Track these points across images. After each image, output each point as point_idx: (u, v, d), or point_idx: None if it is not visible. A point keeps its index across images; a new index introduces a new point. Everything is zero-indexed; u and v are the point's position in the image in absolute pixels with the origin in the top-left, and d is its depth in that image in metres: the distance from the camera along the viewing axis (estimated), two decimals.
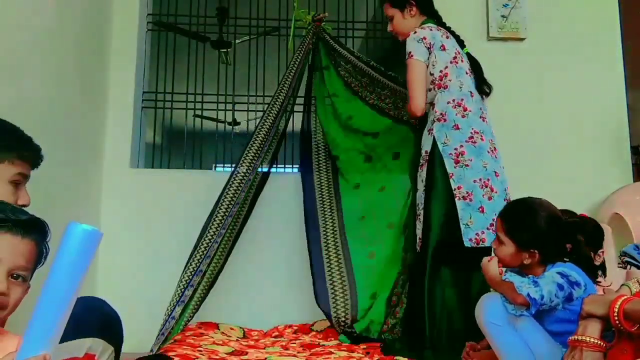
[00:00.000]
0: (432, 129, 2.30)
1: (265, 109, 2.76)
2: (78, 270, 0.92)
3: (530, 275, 1.68)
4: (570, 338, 1.37)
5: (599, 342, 1.31)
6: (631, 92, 3.37)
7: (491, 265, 1.75)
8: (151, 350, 2.17)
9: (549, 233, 1.70)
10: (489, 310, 1.66)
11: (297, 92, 2.93)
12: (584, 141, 3.21)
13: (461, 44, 2.48)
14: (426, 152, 2.30)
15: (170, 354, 1.99)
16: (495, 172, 2.28)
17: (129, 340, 2.48)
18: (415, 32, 2.35)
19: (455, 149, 2.25)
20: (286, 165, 4.10)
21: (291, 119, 3.01)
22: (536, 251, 1.70)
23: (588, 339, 1.32)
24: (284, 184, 3.13)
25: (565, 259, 1.72)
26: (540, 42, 3.28)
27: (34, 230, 1.01)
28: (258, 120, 2.75)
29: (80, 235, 0.91)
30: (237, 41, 4.14)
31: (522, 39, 3.26)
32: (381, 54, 3.69)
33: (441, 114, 2.30)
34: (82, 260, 0.92)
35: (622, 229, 2.68)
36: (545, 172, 3.12)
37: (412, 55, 2.31)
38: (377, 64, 2.87)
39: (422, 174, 2.30)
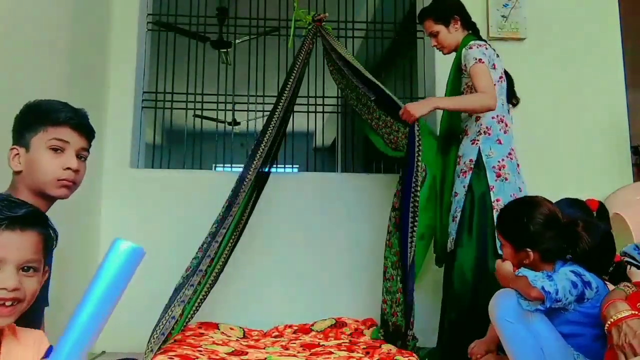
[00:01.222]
0: (478, 140, 2.42)
1: (264, 109, 2.76)
2: (118, 287, 0.93)
3: (544, 270, 1.68)
4: (607, 326, 1.38)
5: (634, 311, 1.33)
6: (631, 92, 3.37)
7: (505, 265, 1.77)
8: (151, 350, 2.17)
9: (538, 231, 1.72)
10: (503, 307, 1.65)
11: (297, 92, 2.93)
12: (583, 141, 3.21)
13: None
14: (470, 160, 2.40)
15: (170, 354, 1.99)
16: (519, 188, 2.44)
17: (129, 339, 2.50)
18: (478, 47, 2.42)
19: (498, 162, 2.38)
20: (286, 165, 4.10)
21: (291, 118, 3.02)
22: (529, 250, 1.72)
23: (624, 313, 1.34)
24: (284, 184, 3.13)
25: (570, 258, 1.72)
26: (540, 42, 3.28)
27: (32, 221, 1.03)
28: (262, 123, 2.75)
29: (124, 252, 0.92)
30: (237, 41, 4.14)
31: (522, 39, 3.26)
32: (381, 53, 3.70)
33: (487, 127, 2.42)
34: (124, 277, 0.94)
35: (622, 229, 2.68)
36: (545, 172, 3.11)
37: (482, 61, 2.39)
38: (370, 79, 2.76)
39: (466, 180, 2.40)
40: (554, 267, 1.70)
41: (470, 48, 2.42)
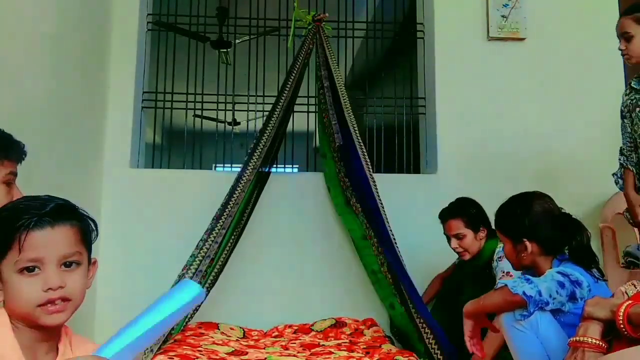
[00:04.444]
0: None
1: (264, 109, 2.76)
2: (173, 320, 0.95)
3: (543, 266, 1.69)
4: (571, 339, 1.37)
5: (600, 343, 1.31)
6: None
7: (468, 305, 1.73)
8: (151, 350, 2.17)
9: (534, 221, 1.72)
10: (511, 313, 1.62)
11: (297, 92, 2.93)
12: (584, 141, 3.20)
13: None
14: None
15: (170, 354, 1.99)
16: None
17: None
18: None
19: None
20: (286, 165, 4.10)
21: (291, 118, 3.02)
22: (526, 241, 1.71)
23: (589, 340, 1.32)
24: (284, 184, 3.13)
25: (567, 251, 1.71)
26: (540, 42, 3.28)
27: (62, 215, 0.99)
28: (262, 123, 2.75)
29: (189, 293, 0.95)
30: (237, 41, 4.14)
31: (522, 39, 3.26)
32: (381, 53, 3.70)
33: None
34: (181, 313, 0.96)
35: (625, 229, 2.67)
36: (546, 172, 3.11)
37: (510, 274, 2.26)
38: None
39: None
40: (552, 263, 1.70)
41: (501, 260, 2.30)
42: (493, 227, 2.39)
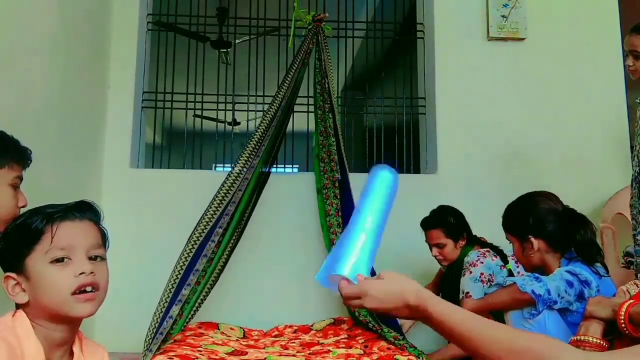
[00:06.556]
0: None
1: (264, 109, 2.76)
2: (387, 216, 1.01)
3: (551, 264, 1.70)
4: (572, 338, 1.37)
5: (601, 342, 1.31)
6: (631, 92, 3.37)
7: (473, 304, 1.74)
8: (150, 350, 2.16)
9: (539, 217, 1.74)
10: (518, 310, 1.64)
11: (297, 92, 2.92)
12: (584, 141, 3.20)
13: None
14: None
15: (170, 354, 1.98)
16: None
17: (129, 340, 2.49)
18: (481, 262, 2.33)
19: None
20: (286, 165, 4.10)
21: (291, 118, 3.01)
22: (532, 237, 1.72)
23: (590, 339, 1.32)
24: (284, 184, 3.12)
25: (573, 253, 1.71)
26: (540, 42, 3.28)
27: (86, 210, 1.05)
28: (258, 122, 2.75)
29: (384, 184, 1.05)
30: (237, 41, 4.14)
31: (522, 39, 3.26)
32: (381, 53, 3.70)
33: None
34: (389, 206, 1.05)
35: (625, 229, 2.67)
36: (546, 173, 3.11)
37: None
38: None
39: None
40: (560, 261, 1.71)
41: (463, 275, 2.31)
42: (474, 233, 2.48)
